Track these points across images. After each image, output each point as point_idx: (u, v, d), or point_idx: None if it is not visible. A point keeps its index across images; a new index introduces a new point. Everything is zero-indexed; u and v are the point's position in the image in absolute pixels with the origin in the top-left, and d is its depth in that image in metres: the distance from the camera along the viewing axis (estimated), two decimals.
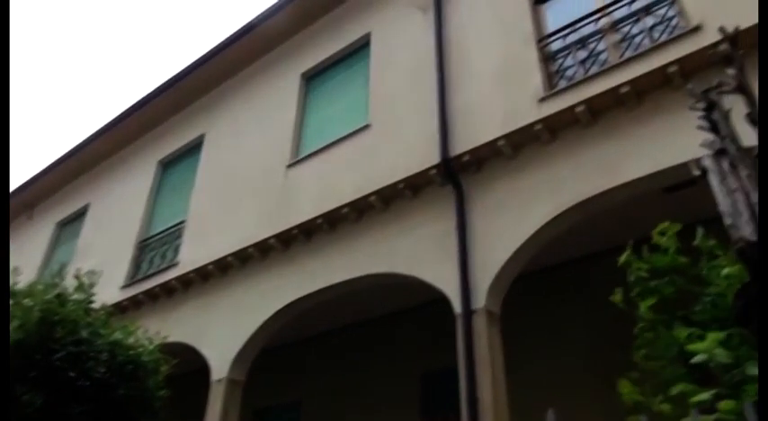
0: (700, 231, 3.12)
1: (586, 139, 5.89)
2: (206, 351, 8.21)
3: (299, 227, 7.83)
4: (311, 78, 9.70)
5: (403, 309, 8.89)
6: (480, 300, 5.86)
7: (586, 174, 5.72)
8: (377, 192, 7.12)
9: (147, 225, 10.91)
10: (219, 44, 10.75)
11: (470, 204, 6.43)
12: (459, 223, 6.30)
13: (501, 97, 6.65)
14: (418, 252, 6.61)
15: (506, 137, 6.29)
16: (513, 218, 6.02)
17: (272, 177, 8.79)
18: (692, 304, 2.98)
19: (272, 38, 10.29)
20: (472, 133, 6.63)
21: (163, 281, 9.28)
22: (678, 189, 5.81)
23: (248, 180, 9.23)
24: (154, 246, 10.37)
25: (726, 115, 2.43)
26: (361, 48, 9.01)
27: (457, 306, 5.96)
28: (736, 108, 2.50)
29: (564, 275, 7.43)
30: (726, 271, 2.82)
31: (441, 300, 6.22)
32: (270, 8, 10.10)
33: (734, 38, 2.22)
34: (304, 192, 8.16)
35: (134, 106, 12.14)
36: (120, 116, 12.36)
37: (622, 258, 3.26)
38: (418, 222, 6.80)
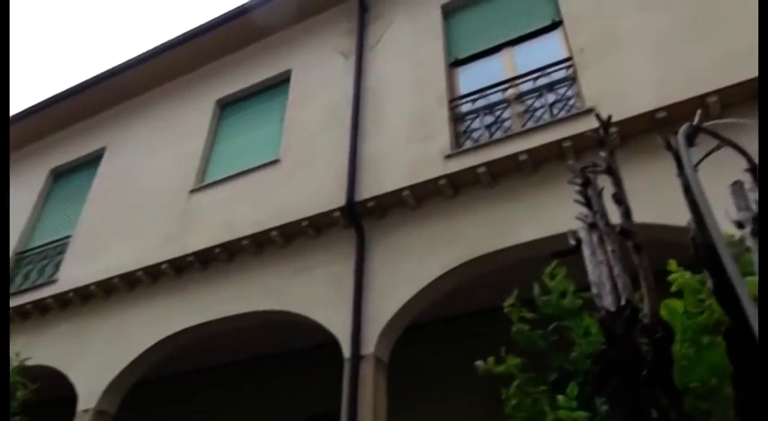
0: (570, 289, 3.30)
1: (486, 199, 6.19)
2: (75, 377, 7.65)
3: (195, 254, 7.60)
4: (226, 106, 9.62)
5: (298, 349, 8.73)
6: (370, 345, 5.91)
7: (483, 232, 5.99)
8: (279, 228, 7.09)
9: (27, 236, 10.17)
10: (132, 59, 10.45)
11: (371, 250, 6.53)
12: (357, 267, 6.37)
13: (410, 149, 6.89)
14: (314, 292, 6.59)
15: (411, 188, 6.50)
16: (411, 267, 6.17)
17: (173, 201, 8.52)
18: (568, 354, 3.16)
19: (189, 60, 10.14)
20: (379, 180, 6.80)
21: (37, 298, 8.63)
22: (564, 255, 6.20)
23: (147, 200, 8.89)
24: (32, 260, 9.66)
25: (599, 193, 2.66)
26: (280, 83, 9.08)
27: (346, 350, 5.96)
28: (608, 188, 2.76)
29: (463, 327, 7.61)
30: (585, 330, 3.02)
31: (333, 342, 6.21)
32: (192, 30, 9.99)
33: (606, 124, 2.46)
34: (205, 219, 7.96)
35: (29, 109, 11.42)
36: (13, 117, 11.59)
37: (507, 306, 3.38)
38: (318, 262, 6.81)
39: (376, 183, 6.81)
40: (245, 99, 9.43)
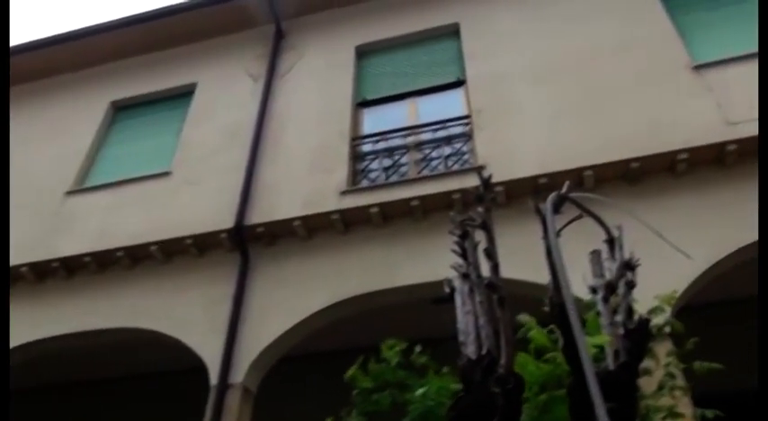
0: (416, 349, 3.38)
1: (375, 239, 6.31)
2: None
3: (61, 261, 7.07)
4: (122, 109, 9.20)
5: (168, 371, 8.23)
6: (239, 375, 5.75)
7: (369, 271, 6.08)
8: (160, 243, 6.79)
9: None
10: (25, 44, 9.76)
11: (254, 276, 6.41)
12: (237, 293, 6.22)
13: (307, 181, 6.92)
14: (189, 314, 6.34)
15: (304, 219, 6.50)
16: (293, 298, 6.11)
17: (45, 201, 7.93)
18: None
19: (87, 55, 9.62)
20: (272, 207, 6.75)
21: None
22: (440, 302, 6.41)
23: (17, 197, 8.20)
24: None
25: (474, 246, 2.82)
26: (183, 95, 8.84)
27: (214, 377, 5.76)
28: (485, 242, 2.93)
29: (338, 364, 7.53)
30: (420, 391, 3.12)
31: (202, 368, 5.96)
32: (94, 26, 9.53)
33: (486, 183, 2.62)
34: (79, 224, 7.47)
35: None
36: None
37: (350, 373, 3.39)
38: (197, 283, 6.58)
39: (269, 209, 6.75)
40: (143, 105, 9.08)
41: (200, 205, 7.07)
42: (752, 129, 5.57)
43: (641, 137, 5.96)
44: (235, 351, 5.86)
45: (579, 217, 2.65)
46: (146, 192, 7.55)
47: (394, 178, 6.73)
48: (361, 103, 7.95)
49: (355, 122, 7.61)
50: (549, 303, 2.46)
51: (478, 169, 6.18)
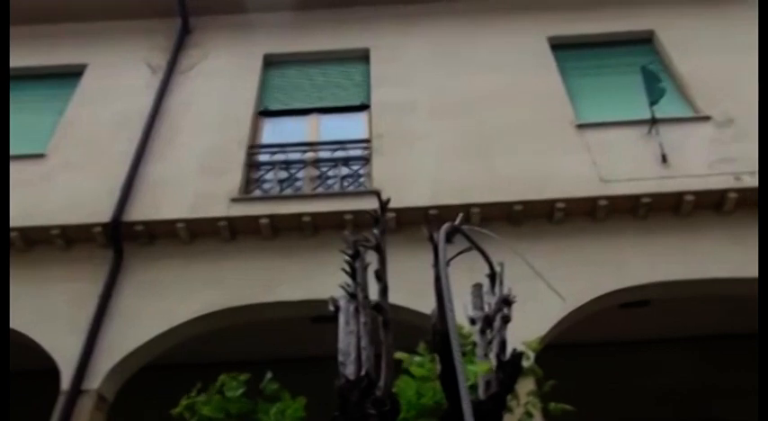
0: (267, 376, 3.30)
1: (262, 251, 6.17)
2: None
3: None
4: None
5: (16, 371, 7.43)
6: (95, 380, 5.35)
7: (251, 282, 5.92)
8: (21, 230, 6.19)
9: None
10: None
11: (127, 276, 6.03)
12: (104, 292, 5.81)
13: (197, 183, 6.66)
14: (46, 311, 5.80)
15: (188, 222, 6.23)
16: (166, 303, 5.80)
17: None
18: None
19: None
20: (156, 206, 6.41)
21: None
22: (325, 321, 6.36)
23: None
24: None
25: (365, 267, 2.85)
26: (72, 74, 8.22)
27: (66, 381, 5.31)
28: (375, 264, 2.96)
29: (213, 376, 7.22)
30: (274, 410, 3.08)
31: (56, 371, 5.47)
32: None
33: (384, 206, 2.67)
34: None
35: None
36: None
37: (180, 407, 3.23)
38: (60, 278, 6.05)
39: (151, 207, 6.40)
40: (25, 79, 8.33)
41: (75, 194, 6.56)
42: (623, 189, 6.14)
43: (525, 182, 6.35)
44: (94, 355, 5.45)
45: (469, 249, 2.77)
46: (14, 172, 6.89)
47: (288, 192, 6.66)
48: (263, 113, 7.83)
49: (254, 131, 7.47)
50: (432, 330, 2.54)
51: (377, 192, 6.24)
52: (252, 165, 7.03)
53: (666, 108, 6.91)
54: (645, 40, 8.20)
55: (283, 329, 6.39)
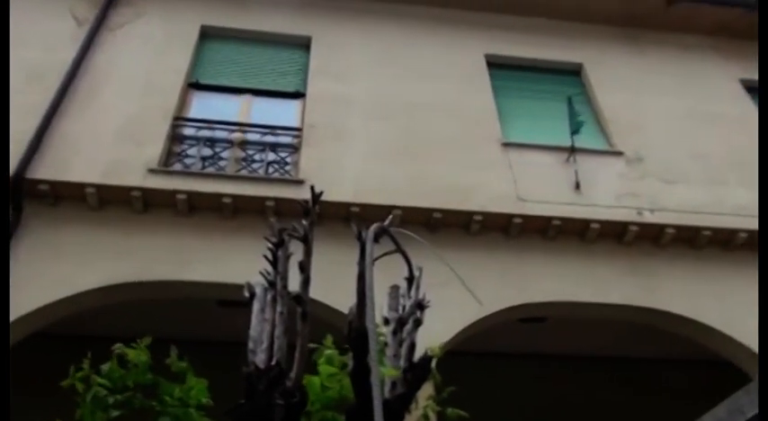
0: (173, 351, 3.17)
1: (175, 227, 5.95)
2: None
3: None
4: None
5: None
6: None
7: (160, 258, 5.70)
8: None
9: None
10: None
11: (23, 237, 5.63)
12: None
13: (114, 148, 6.33)
14: None
15: (99, 187, 5.91)
16: (64, 270, 5.47)
17: None
18: None
19: None
20: (65, 165, 6.04)
21: None
22: (235, 305, 6.21)
23: None
24: None
25: (287, 257, 2.83)
26: None
27: None
28: (297, 256, 2.94)
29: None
30: (177, 391, 3.00)
31: None
32: None
33: (316, 198, 2.66)
34: None
35: None
36: None
37: (72, 379, 3.01)
38: None
39: (60, 166, 6.02)
40: None
41: None
42: (537, 209, 6.44)
43: (447, 191, 6.51)
44: None
45: (394, 251, 2.81)
46: None
47: (210, 170, 6.47)
48: (194, 85, 7.57)
49: (182, 102, 7.20)
50: (348, 327, 2.56)
51: (300, 183, 6.24)
52: (175, 137, 6.78)
53: (586, 139, 7.31)
54: (574, 72, 8.62)
55: (189, 310, 6.21)
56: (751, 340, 5.95)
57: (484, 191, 6.62)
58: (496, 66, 8.38)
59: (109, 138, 6.44)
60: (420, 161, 6.87)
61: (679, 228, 6.54)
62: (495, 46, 8.55)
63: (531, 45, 8.67)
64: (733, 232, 6.59)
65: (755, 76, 8.86)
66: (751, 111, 8.31)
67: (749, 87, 8.67)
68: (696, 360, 6.97)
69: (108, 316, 6.05)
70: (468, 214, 6.34)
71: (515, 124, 7.69)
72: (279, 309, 2.70)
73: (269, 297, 2.83)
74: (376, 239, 2.62)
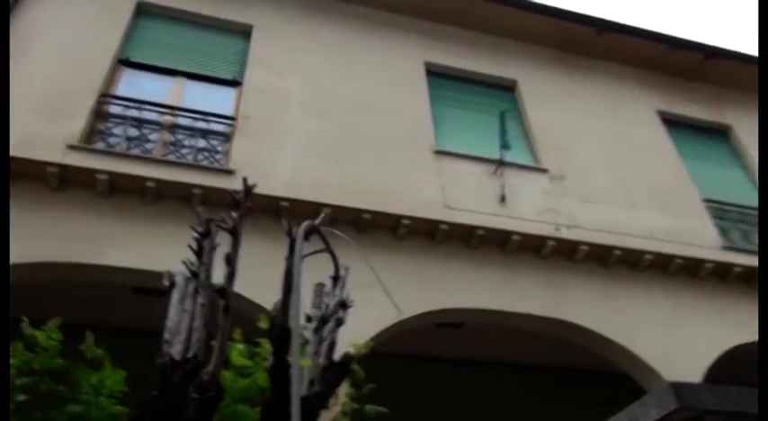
0: (89, 337, 3.08)
1: (94, 208, 5.68)
2: None
3: None
4: None
5: None
6: None
7: (75, 240, 5.43)
8: None
9: None
10: None
11: None
12: None
13: (31, 119, 5.96)
14: None
15: (12, 160, 5.54)
16: None
17: None
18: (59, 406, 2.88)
19: None
20: None
21: None
22: (151, 293, 5.97)
23: None
24: None
25: (213, 247, 2.78)
26: None
27: None
28: (224, 248, 2.89)
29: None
30: (94, 379, 2.90)
31: None
32: None
33: (249, 190, 2.64)
34: None
35: None
36: None
37: None
38: None
39: None
40: None
41: None
42: (463, 218, 6.60)
43: (378, 194, 6.57)
44: None
45: (323, 250, 2.82)
46: None
47: (136, 152, 6.22)
48: (125, 62, 7.26)
49: (111, 78, 6.90)
50: (271, 322, 2.54)
51: (229, 173, 6.11)
52: (100, 114, 6.47)
53: (514, 153, 7.57)
54: (509, 88, 8.91)
55: (102, 295, 5.94)
56: (648, 355, 6.36)
57: (413, 196, 6.72)
58: (435, 74, 8.54)
59: (27, 107, 6.06)
60: (353, 161, 6.90)
61: (592, 245, 6.88)
62: (436, 55, 8.71)
63: (469, 57, 8.88)
64: (641, 253, 7.01)
65: (672, 109, 9.49)
66: (665, 141, 8.87)
67: (665, 119, 9.25)
68: (602, 371, 7.34)
69: (17, 296, 5.69)
70: (397, 217, 6.42)
71: (448, 133, 7.86)
72: (200, 300, 2.64)
73: (190, 287, 2.77)
74: (306, 237, 2.62)
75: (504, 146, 7.40)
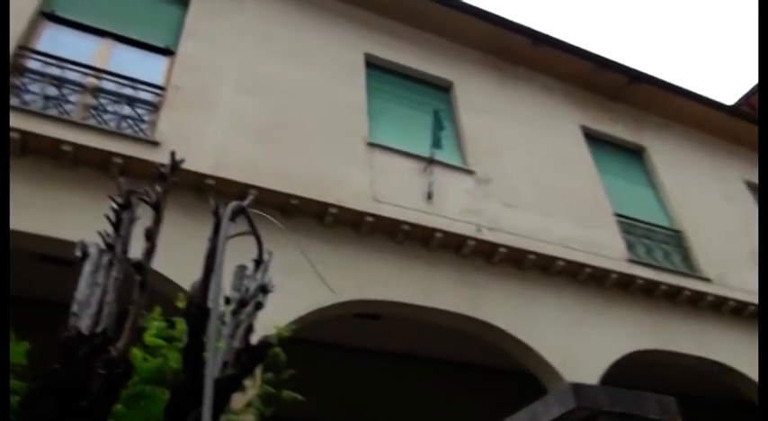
0: None
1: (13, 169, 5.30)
2: None
3: None
4: None
5: None
6: None
7: None
8: None
9: None
10: None
11: None
12: None
13: None
14: None
15: None
16: None
17: None
18: None
19: None
20: None
21: None
22: (59, 263, 5.64)
23: None
24: None
25: (132, 220, 2.66)
26: None
27: None
28: (144, 222, 2.78)
29: None
30: None
31: None
32: None
33: (176, 165, 2.55)
34: None
35: None
36: None
37: None
38: None
39: None
40: None
41: None
42: (389, 212, 6.67)
43: (306, 180, 6.52)
44: None
45: (248, 233, 2.77)
46: None
47: (53, 112, 5.86)
48: (48, 15, 6.82)
49: (31, 32, 6.46)
50: (188, 302, 2.47)
51: (154, 144, 5.88)
52: (16, 69, 6.05)
53: (444, 153, 7.71)
54: (445, 88, 9.05)
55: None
56: (552, 357, 6.68)
57: (342, 185, 6.72)
58: (374, 66, 8.55)
59: None
60: (284, 144, 6.81)
61: (510, 248, 7.13)
62: (377, 47, 8.71)
63: (410, 54, 8.95)
64: (554, 260, 7.33)
65: (595, 126, 9.96)
66: (585, 155, 9.30)
67: (587, 134, 9.70)
68: (511, 370, 7.63)
69: None
70: (325, 205, 6.40)
71: (383, 126, 7.90)
72: (114, 274, 2.53)
73: (104, 260, 2.65)
74: (233, 218, 2.57)
75: (436, 144, 7.53)
